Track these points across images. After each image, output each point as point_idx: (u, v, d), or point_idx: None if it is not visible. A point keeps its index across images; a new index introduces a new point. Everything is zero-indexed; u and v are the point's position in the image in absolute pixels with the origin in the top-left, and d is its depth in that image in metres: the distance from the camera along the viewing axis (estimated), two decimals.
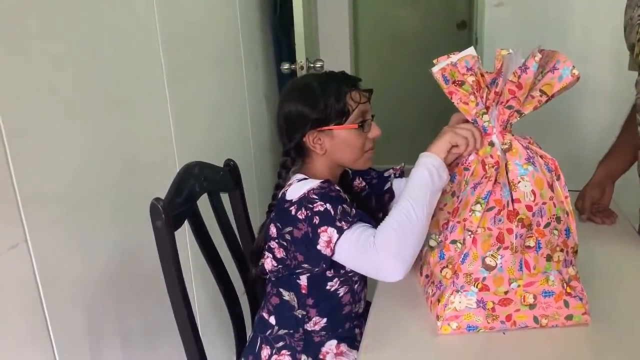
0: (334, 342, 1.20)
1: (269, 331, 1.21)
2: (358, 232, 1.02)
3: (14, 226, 0.99)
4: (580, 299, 1.00)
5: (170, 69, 1.51)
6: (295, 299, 1.17)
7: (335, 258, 1.05)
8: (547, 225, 0.97)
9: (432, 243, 1.07)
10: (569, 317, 0.99)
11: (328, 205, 1.03)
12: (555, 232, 0.99)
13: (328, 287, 1.16)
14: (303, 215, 1.04)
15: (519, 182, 0.96)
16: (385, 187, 1.34)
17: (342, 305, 1.19)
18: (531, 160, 0.97)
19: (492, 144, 1.01)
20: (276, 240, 1.11)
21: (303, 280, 1.15)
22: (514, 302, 0.98)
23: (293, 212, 1.05)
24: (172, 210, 1.08)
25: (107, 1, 1.25)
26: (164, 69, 1.49)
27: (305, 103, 1.13)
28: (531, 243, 0.97)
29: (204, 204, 1.25)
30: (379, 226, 1.02)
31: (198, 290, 1.68)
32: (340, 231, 1.02)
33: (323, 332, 1.19)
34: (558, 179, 0.99)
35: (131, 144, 1.36)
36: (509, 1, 2.48)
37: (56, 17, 1.09)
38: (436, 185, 1.01)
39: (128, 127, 1.34)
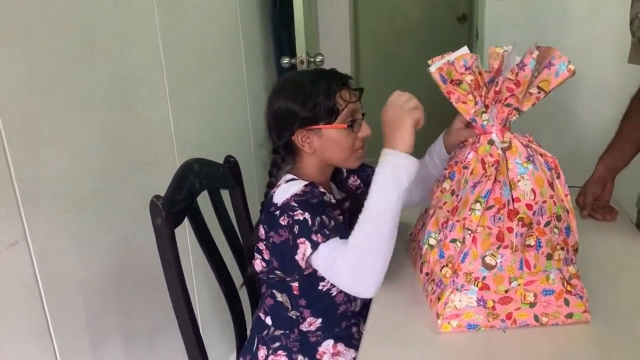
0: (330, 341, 1.19)
1: (266, 331, 1.21)
2: (330, 248, 1.00)
3: (13, 224, 0.99)
4: (581, 297, 1.00)
5: (170, 64, 1.51)
6: (289, 300, 1.16)
7: (311, 270, 1.05)
8: (548, 223, 0.97)
9: (432, 242, 1.07)
10: (570, 316, 0.99)
11: (307, 215, 1.02)
12: (556, 230, 0.99)
13: (320, 287, 1.14)
14: (285, 222, 1.03)
15: (519, 180, 0.95)
16: None
17: (337, 304, 1.18)
18: (531, 158, 0.97)
19: (491, 143, 1.00)
20: (264, 243, 1.10)
21: (294, 282, 1.14)
22: (515, 301, 0.98)
23: (276, 217, 1.05)
24: (172, 208, 1.07)
25: None
26: (164, 65, 1.49)
27: (294, 101, 1.11)
28: (531, 242, 0.97)
29: (204, 201, 1.25)
30: (346, 242, 1.00)
31: (199, 287, 1.68)
32: (315, 245, 1.01)
33: (319, 332, 1.18)
34: (558, 177, 0.99)
35: (131, 141, 1.36)
36: None
37: (56, 13, 1.09)
38: (403, 186, 0.99)
39: (128, 124, 1.34)
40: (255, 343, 1.22)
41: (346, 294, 1.18)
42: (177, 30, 1.57)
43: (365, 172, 1.32)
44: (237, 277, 1.32)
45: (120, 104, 1.31)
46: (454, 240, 1.02)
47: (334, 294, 1.16)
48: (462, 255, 0.98)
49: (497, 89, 0.98)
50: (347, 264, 0.98)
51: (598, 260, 1.22)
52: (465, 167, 1.03)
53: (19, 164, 0.99)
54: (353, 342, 1.21)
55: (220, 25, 1.92)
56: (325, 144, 1.13)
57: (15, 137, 0.98)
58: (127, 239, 1.33)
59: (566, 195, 0.99)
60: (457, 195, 1.04)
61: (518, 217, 0.95)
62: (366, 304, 1.20)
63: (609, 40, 2.30)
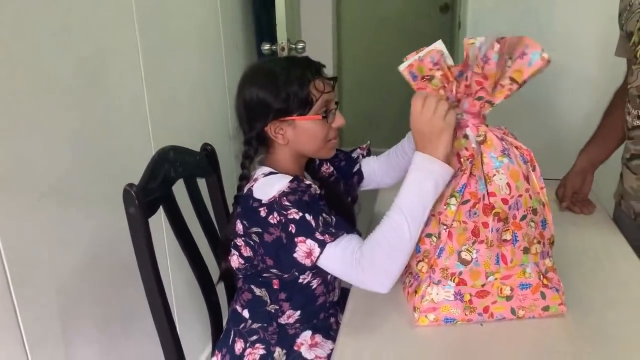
0: (308, 332, 1.18)
1: (243, 324, 1.19)
2: (342, 246, 0.98)
3: None
4: (557, 290, 1.00)
5: (146, 48, 1.47)
6: (267, 295, 1.14)
7: (317, 268, 1.02)
8: (524, 217, 0.97)
9: None
10: (546, 308, 1.00)
11: (307, 216, 0.98)
12: (532, 224, 0.98)
13: (300, 281, 1.12)
14: (275, 220, 1.00)
15: (494, 175, 0.94)
16: (354, 170, 1.31)
17: (316, 296, 1.16)
18: (506, 152, 0.95)
19: (466, 137, 0.99)
20: (242, 239, 1.07)
21: (276, 278, 1.12)
22: (491, 294, 0.98)
23: (263, 215, 1.01)
24: (146, 196, 1.05)
25: None
26: (140, 49, 1.45)
27: (267, 91, 1.07)
28: (508, 236, 0.96)
29: (180, 189, 1.22)
30: (366, 239, 0.98)
31: (175, 277, 1.66)
32: (322, 245, 0.98)
33: (297, 324, 1.17)
34: (534, 170, 0.98)
35: (105, 127, 1.32)
36: None
37: None
38: (438, 195, 0.98)
39: (101, 110, 1.30)
40: (232, 336, 1.21)
41: (326, 286, 1.17)
42: (153, 13, 1.53)
43: (337, 158, 1.30)
44: (213, 268, 1.30)
45: (94, 89, 1.27)
46: (429, 235, 1.01)
47: (314, 286, 1.15)
48: (438, 250, 0.98)
49: (467, 83, 0.97)
50: (368, 263, 0.96)
51: (574, 253, 1.23)
52: None
53: None
54: (331, 333, 1.20)
55: (198, 9, 1.88)
56: (299, 135, 1.10)
57: None
58: (100, 227, 1.30)
59: (542, 188, 0.99)
60: None
61: (493, 212, 0.94)
62: (344, 294, 1.20)
63: (591, 33, 2.31)
